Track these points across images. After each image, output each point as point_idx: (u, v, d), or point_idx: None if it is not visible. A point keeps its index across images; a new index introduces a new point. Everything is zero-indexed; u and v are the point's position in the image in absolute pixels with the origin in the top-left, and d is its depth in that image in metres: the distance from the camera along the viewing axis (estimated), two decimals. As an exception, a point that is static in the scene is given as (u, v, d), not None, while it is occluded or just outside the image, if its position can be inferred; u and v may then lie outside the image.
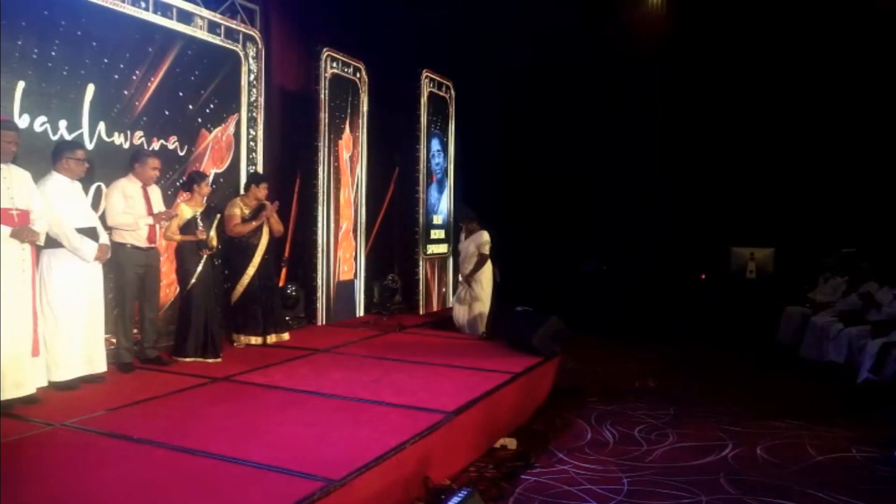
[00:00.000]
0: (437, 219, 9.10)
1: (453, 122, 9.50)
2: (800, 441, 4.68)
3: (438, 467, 3.75)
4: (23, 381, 4.01)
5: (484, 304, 7.05)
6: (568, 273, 9.65)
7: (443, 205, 9.26)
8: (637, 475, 4.02)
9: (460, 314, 7.20)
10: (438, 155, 9.15)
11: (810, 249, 8.71)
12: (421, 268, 8.64)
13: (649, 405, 5.54)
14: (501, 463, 4.21)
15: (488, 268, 7.05)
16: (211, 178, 6.01)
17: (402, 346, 6.29)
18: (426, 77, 8.75)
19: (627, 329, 8.65)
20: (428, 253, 8.77)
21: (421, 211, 8.64)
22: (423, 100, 8.69)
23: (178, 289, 5.60)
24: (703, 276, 9.33)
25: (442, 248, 9.15)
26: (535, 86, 9.89)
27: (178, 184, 5.83)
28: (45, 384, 4.23)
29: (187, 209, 5.39)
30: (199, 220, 5.33)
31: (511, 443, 4.53)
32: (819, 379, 6.58)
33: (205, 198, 5.52)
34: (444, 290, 9.21)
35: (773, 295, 8.53)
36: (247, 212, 5.97)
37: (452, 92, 9.42)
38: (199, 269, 5.37)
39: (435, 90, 9.00)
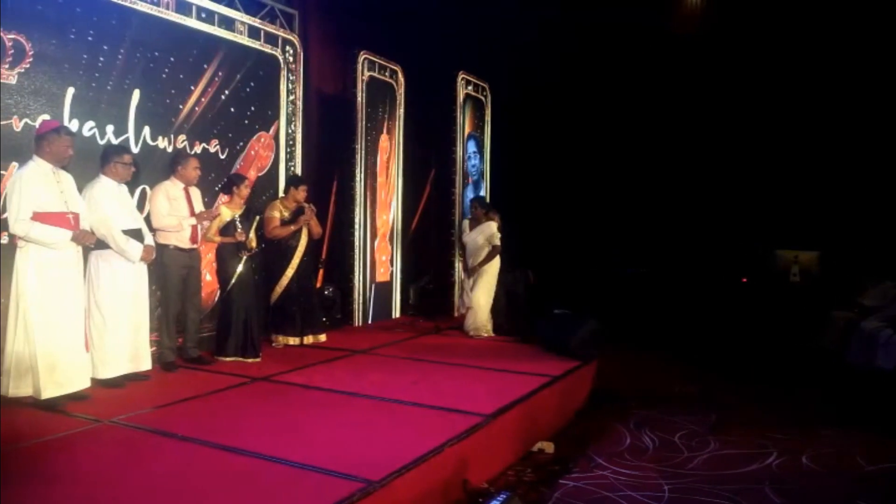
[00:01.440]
0: (474, 221, 9.08)
1: (489, 123, 9.48)
2: (848, 450, 4.55)
3: (476, 470, 3.74)
4: (73, 378, 4.13)
5: (485, 298, 6.84)
6: (607, 276, 9.56)
7: (479, 207, 9.24)
8: (678, 482, 3.96)
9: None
10: (475, 156, 9.14)
11: (858, 252, 8.45)
12: (457, 269, 8.64)
13: (690, 411, 5.44)
14: (539, 467, 4.19)
15: (497, 261, 6.88)
16: (250, 181, 6.06)
17: (438, 348, 6.30)
18: (462, 79, 8.75)
19: (667, 333, 8.52)
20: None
21: (457, 212, 8.64)
22: (460, 101, 8.70)
23: (217, 290, 5.68)
24: (745, 280, 9.15)
25: (478, 250, 9.12)
26: (571, 86, 9.81)
27: (216, 188, 5.92)
28: (88, 383, 4.32)
29: (227, 211, 5.47)
30: (237, 222, 5.41)
31: (549, 447, 4.50)
32: (867, 386, 6.38)
33: (244, 200, 5.60)
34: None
35: (819, 299, 8.31)
36: (286, 214, 6.04)
37: (489, 93, 9.40)
38: (239, 270, 5.45)
39: (471, 92, 8.99)
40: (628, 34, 9.01)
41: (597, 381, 5.87)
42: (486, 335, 6.85)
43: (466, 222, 7.13)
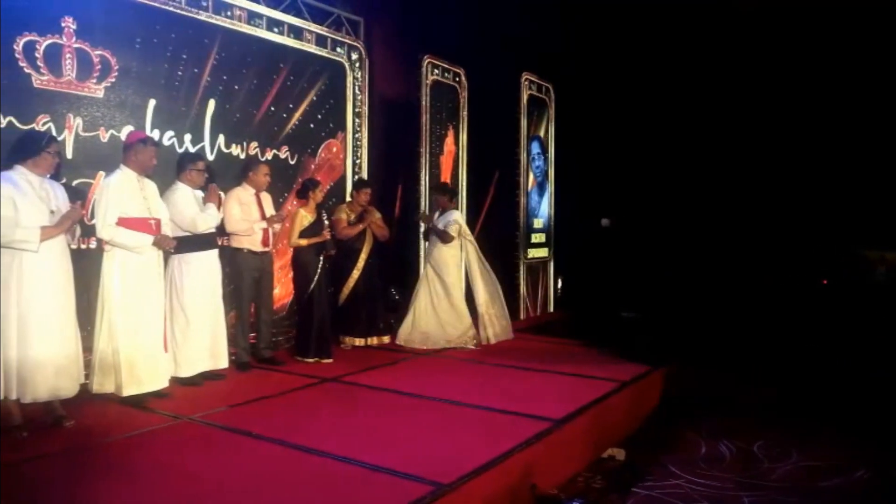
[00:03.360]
0: (538, 222, 9.02)
1: (553, 124, 9.39)
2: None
3: (545, 476, 3.70)
4: (153, 377, 4.31)
5: (457, 299, 6.26)
6: (679, 278, 9.30)
7: (543, 208, 9.17)
8: (759, 494, 3.81)
9: (431, 323, 6.28)
10: (538, 158, 9.07)
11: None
12: (521, 272, 8.59)
13: (768, 419, 5.23)
14: (610, 474, 4.11)
15: (452, 257, 6.30)
16: (324, 185, 6.14)
17: (503, 351, 6.27)
18: (526, 80, 8.69)
19: (744, 338, 8.23)
20: (528, 257, 8.70)
21: (521, 215, 8.59)
22: (523, 103, 8.64)
23: (291, 293, 5.83)
24: (826, 282, 8.74)
25: (542, 252, 9.06)
26: (638, 84, 9.62)
27: (285, 194, 6.07)
28: (167, 382, 4.47)
29: (305, 215, 5.60)
30: (325, 221, 5.59)
31: (620, 453, 4.41)
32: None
33: (318, 204, 5.72)
34: (545, 294, 9.11)
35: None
36: (352, 217, 6.14)
37: (552, 94, 9.32)
38: (318, 272, 5.57)
39: (535, 93, 8.93)
40: (698, 30, 8.76)
41: (669, 386, 5.72)
42: (471, 346, 6.22)
43: (436, 214, 6.54)
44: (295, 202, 5.95)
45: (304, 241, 5.56)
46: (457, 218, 6.32)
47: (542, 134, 9.17)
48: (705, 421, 5.16)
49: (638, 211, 9.92)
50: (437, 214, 6.51)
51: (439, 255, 6.30)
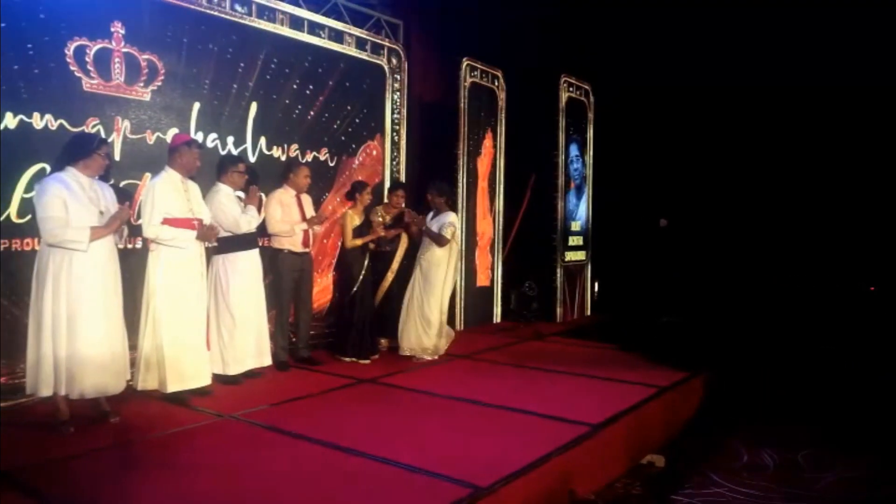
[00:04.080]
0: (576, 225, 8.96)
1: (592, 126, 9.32)
2: None
3: (582, 481, 3.67)
4: (195, 374, 4.40)
5: (437, 303, 5.80)
6: (721, 283, 9.12)
7: (581, 211, 9.11)
8: (803, 505, 3.73)
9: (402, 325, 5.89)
10: (577, 160, 9.01)
11: None
12: (558, 275, 8.54)
13: (813, 428, 5.10)
14: (649, 481, 4.05)
15: (446, 261, 5.87)
16: (371, 187, 6.10)
17: (540, 355, 6.24)
18: (564, 82, 8.65)
19: (787, 345, 8.04)
20: (566, 260, 8.65)
21: (559, 217, 8.54)
22: (562, 104, 8.60)
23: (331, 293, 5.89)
24: (873, 289, 8.49)
25: (580, 255, 9.00)
26: (680, 85, 9.46)
27: (324, 196, 6.12)
28: (209, 380, 4.56)
29: (354, 217, 5.67)
30: (383, 219, 5.66)
31: (659, 460, 4.35)
32: None
33: (366, 206, 5.78)
34: (581, 297, 9.04)
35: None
36: (388, 219, 6.15)
37: (591, 96, 9.25)
38: (363, 274, 5.62)
39: (574, 94, 8.87)
40: (739, 28, 8.58)
41: (710, 392, 5.63)
42: (429, 357, 5.80)
43: (430, 215, 6.08)
44: (340, 202, 6.01)
45: (359, 241, 5.62)
46: (453, 220, 5.91)
47: (580, 136, 9.11)
48: (747, 428, 5.06)
49: (681, 213, 9.75)
50: (430, 215, 6.01)
51: (431, 256, 5.83)
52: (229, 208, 4.73)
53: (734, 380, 6.38)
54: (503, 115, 8.15)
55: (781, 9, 8.30)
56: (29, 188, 4.17)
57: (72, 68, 4.46)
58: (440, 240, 5.80)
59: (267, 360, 5.00)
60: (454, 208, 6.34)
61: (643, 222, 9.45)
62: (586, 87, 9.14)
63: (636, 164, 9.76)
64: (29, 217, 4.11)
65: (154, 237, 4.25)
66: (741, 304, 8.79)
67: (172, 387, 4.27)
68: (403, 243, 6.18)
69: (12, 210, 4.20)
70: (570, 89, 8.80)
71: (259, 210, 4.96)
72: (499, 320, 8.14)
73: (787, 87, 8.92)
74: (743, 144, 9.11)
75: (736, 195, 9.46)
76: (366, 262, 5.66)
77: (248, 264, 4.87)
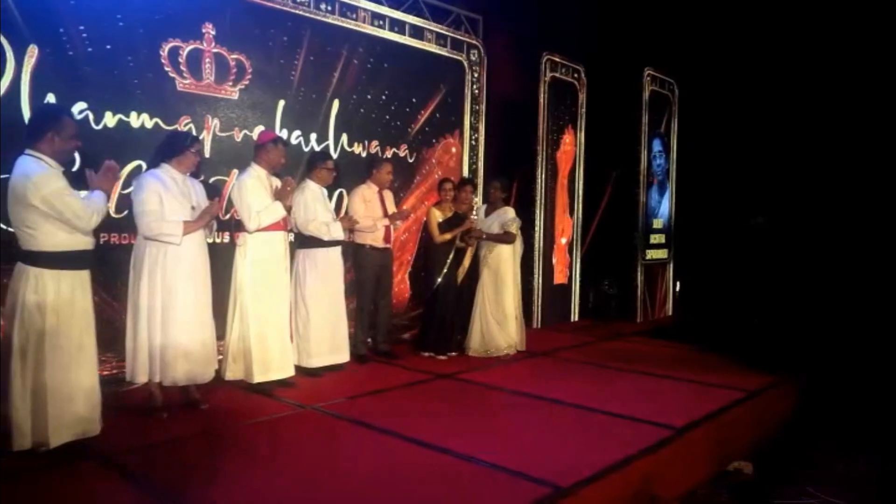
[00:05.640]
0: (658, 223, 8.71)
1: (677, 120, 9.03)
2: None
3: (664, 486, 3.56)
4: (283, 365, 4.52)
5: (511, 297, 5.77)
6: (817, 282, 8.64)
7: (663, 208, 8.85)
8: (905, 520, 3.49)
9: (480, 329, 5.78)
10: (660, 156, 8.75)
11: None
12: (638, 273, 8.32)
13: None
14: (736, 488, 3.89)
15: (514, 256, 5.87)
16: (454, 183, 5.98)
17: (620, 354, 6.10)
18: (648, 75, 8.41)
19: (887, 347, 7.54)
20: (647, 258, 8.42)
21: (640, 214, 8.32)
22: (645, 99, 8.37)
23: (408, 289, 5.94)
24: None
25: (662, 254, 8.74)
26: (770, 76, 9.03)
27: (402, 193, 6.18)
28: (293, 372, 4.66)
29: (435, 212, 5.70)
30: (475, 212, 5.63)
31: (747, 467, 4.17)
32: None
33: (449, 201, 5.78)
34: (663, 296, 8.79)
35: None
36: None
37: (676, 90, 8.96)
38: (446, 269, 5.64)
39: (657, 88, 8.62)
40: (833, 14, 8.10)
41: (802, 397, 5.35)
42: (509, 353, 5.77)
43: (483, 208, 6.06)
44: (418, 199, 6.04)
45: (448, 235, 5.65)
46: (513, 215, 5.84)
47: (663, 131, 8.84)
48: (843, 436, 4.78)
49: (772, 211, 9.30)
50: (482, 212, 5.98)
51: (498, 253, 5.80)
52: (310, 209, 4.79)
53: (829, 384, 6.05)
54: (583, 110, 8.01)
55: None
56: (126, 184, 4.38)
57: (166, 69, 4.66)
58: (509, 237, 5.79)
59: (343, 358, 5.05)
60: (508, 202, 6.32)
61: (729, 220, 9.07)
62: (671, 80, 8.85)
63: (723, 160, 9.37)
64: (126, 212, 4.32)
65: (258, 226, 4.34)
66: (837, 306, 8.31)
67: (258, 377, 4.40)
68: (470, 241, 6.15)
69: (111, 206, 4.40)
70: (655, 83, 8.56)
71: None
72: (576, 319, 8.02)
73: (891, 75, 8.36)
74: (836, 139, 8.60)
75: (832, 193, 8.96)
76: (449, 259, 5.66)
77: (327, 261, 4.92)
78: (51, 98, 4.13)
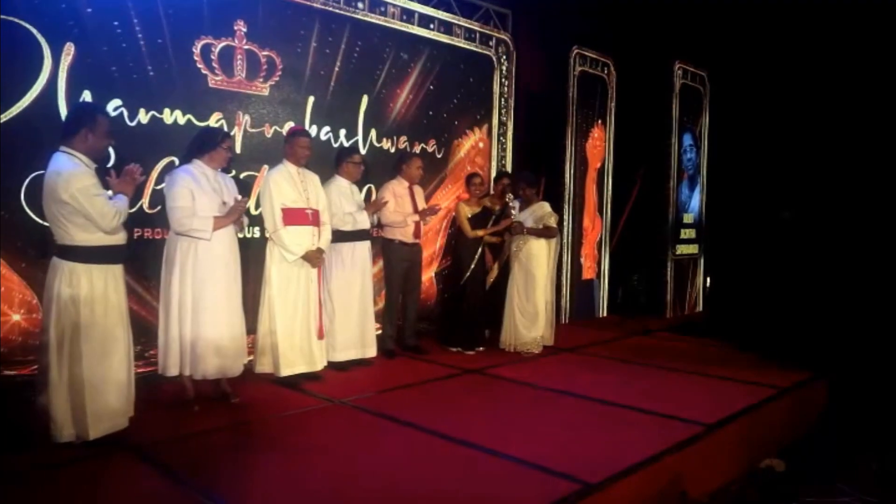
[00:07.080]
0: (688, 217, 8.60)
1: (708, 114, 8.90)
2: None
3: (694, 483, 3.53)
4: (310, 360, 4.56)
5: (542, 299, 5.71)
6: (847, 280, 8.47)
7: (694, 203, 8.73)
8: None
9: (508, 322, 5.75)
10: (690, 150, 8.64)
11: None
12: (669, 268, 8.23)
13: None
14: (767, 486, 3.84)
15: (550, 251, 5.80)
16: (482, 179, 6.00)
17: (649, 350, 6.05)
18: (679, 68, 8.30)
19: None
20: (677, 253, 8.33)
21: (671, 209, 8.23)
22: (675, 92, 8.26)
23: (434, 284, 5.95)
24: None
25: (692, 249, 8.64)
26: (804, 70, 8.84)
27: (432, 186, 6.18)
28: (321, 366, 4.68)
29: (464, 207, 5.70)
30: (510, 205, 5.68)
31: (778, 465, 4.11)
32: None
33: (479, 197, 5.77)
34: (693, 292, 8.68)
35: None
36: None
37: (707, 83, 8.82)
38: (474, 264, 5.64)
39: (688, 82, 8.50)
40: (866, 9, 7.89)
41: (836, 394, 5.25)
42: (536, 350, 5.71)
43: (517, 204, 5.88)
44: (446, 194, 6.04)
45: (481, 232, 5.64)
46: (549, 209, 5.79)
47: (694, 124, 8.72)
48: (878, 434, 4.68)
49: (806, 206, 9.12)
50: (516, 207, 5.82)
51: (529, 248, 5.71)
52: (335, 203, 4.80)
53: (862, 381, 5.93)
54: (613, 104, 7.93)
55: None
56: (159, 180, 4.45)
57: (198, 66, 4.72)
58: (550, 231, 5.74)
59: (371, 353, 5.07)
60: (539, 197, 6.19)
61: (762, 215, 8.92)
62: (702, 73, 8.73)
63: (755, 154, 9.21)
64: (159, 208, 4.39)
65: (273, 231, 4.40)
66: (871, 301, 8.14)
67: (284, 371, 4.44)
68: (507, 235, 6.14)
69: (144, 201, 4.50)
70: (686, 76, 8.44)
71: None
72: (605, 314, 7.96)
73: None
74: (872, 133, 8.40)
75: (866, 187, 8.76)
76: (477, 254, 5.65)
77: (353, 256, 4.92)
78: (87, 95, 4.21)
